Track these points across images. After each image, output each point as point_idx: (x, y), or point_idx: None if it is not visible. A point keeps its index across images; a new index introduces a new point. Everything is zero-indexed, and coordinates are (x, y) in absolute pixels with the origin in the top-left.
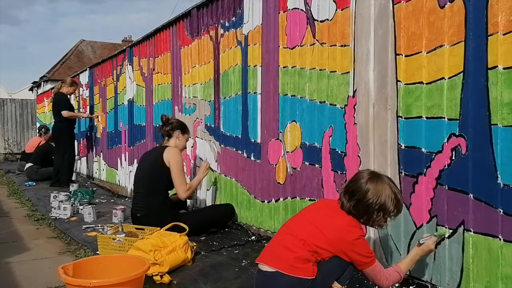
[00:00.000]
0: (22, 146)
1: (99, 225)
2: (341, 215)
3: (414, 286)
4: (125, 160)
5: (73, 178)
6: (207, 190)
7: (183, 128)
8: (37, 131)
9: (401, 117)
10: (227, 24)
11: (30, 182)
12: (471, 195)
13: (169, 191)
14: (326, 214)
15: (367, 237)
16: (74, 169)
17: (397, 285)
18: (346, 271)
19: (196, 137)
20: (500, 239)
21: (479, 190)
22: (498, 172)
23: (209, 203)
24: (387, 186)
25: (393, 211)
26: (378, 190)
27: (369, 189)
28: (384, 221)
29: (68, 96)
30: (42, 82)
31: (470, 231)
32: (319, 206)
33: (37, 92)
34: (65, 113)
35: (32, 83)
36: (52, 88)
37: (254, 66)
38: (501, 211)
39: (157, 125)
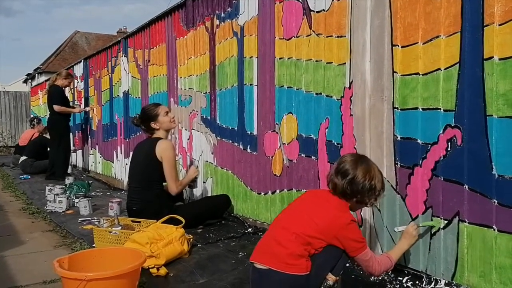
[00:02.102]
0: (16, 139)
1: (95, 218)
2: (331, 201)
3: (409, 276)
4: (121, 153)
5: (69, 171)
6: (204, 182)
7: (150, 116)
8: (29, 123)
9: (397, 108)
10: (222, 14)
11: (25, 175)
12: (466, 186)
13: (163, 183)
14: (316, 202)
15: (362, 229)
16: (70, 162)
17: (392, 275)
18: (339, 261)
19: (192, 129)
20: (494, 230)
21: (474, 181)
22: (493, 163)
23: (205, 195)
24: (374, 166)
25: (380, 189)
26: (367, 170)
27: (359, 169)
28: (375, 200)
29: (63, 88)
30: (36, 74)
31: (465, 221)
32: (308, 196)
33: (31, 85)
34: (56, 107)
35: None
36: (46, 80)
37: (250, 58)
38: (496, 201)
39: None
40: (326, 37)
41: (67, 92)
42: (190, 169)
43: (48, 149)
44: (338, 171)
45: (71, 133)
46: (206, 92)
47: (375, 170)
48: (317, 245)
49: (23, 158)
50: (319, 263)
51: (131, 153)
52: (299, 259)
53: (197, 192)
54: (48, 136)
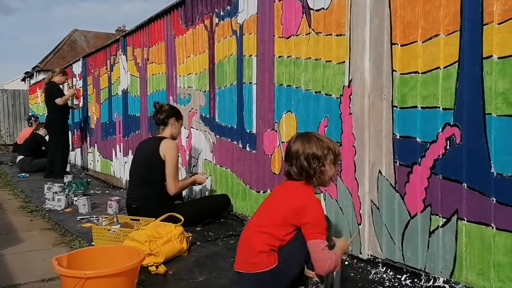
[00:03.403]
0: (15, 137)
1: (94, 216)
2: (292, 188)
3: (408, 274)
4: (120, 151)
5: (67, 169)
6: None
7: (177, 114)
8: (27, 121)
9: (396, 107)
10: (222, 13)
11: (23, 174)
12: (465, 184)
13: (164, 182)
14: (279, 191)
15: (361, 227)
16: (68, 160)
17: (391, 273)
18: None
19: (191, 127)
20: (492, 228)
21: (472, 179)
22: (491, 162)
23: (204, 194)
24: (311, 135)
25: (322, 155)
26: (303, 142)
27: (297, 145)
28: (326, 169)
29: (61, 86)
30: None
31: (464, 220)
32: (274, 190)
33: (30, 83)
34: (59, 100)
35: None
36: (44, 79)
37: (249, 56)
38: (494, 199)
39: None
40: (326, 35)
41: (66, 91)
42: (199, 176)
43: (42, 146)
44: (285, 158)
45: (69, 132)
46: (205, 91)
47: (312, 138)
48: (280, 235)
49: (20, 157)
50: (287, 254)
51: (130, 152)
52: (259, 255)
53: (196, 190)
54: (40, 132)
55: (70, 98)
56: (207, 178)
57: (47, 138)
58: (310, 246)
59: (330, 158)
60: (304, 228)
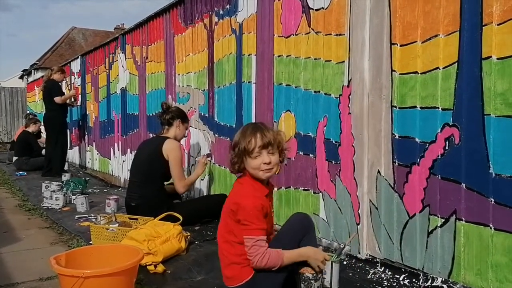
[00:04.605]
0: (12, 135)
1: (92, 215)
2: (233, 188)
3: (406, 274)
4: (118, 150)
5: (65, 167)
6: (201, 180)
7: (184, 117)
8: (25, 119)
9: (395, 107)
10: (221, 12)
11: (21, 172)
12: (464, 185)
13: (164, 182)
14: (228, 197)
15: (360, 226)
16: (67, 158)
17: (389, 273)
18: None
19: (190, 126)
20: (491, 228)
21: (471, 180)
22: (490, 162)
23: (203, 193)
24: (247, 125)
25: (238, 142)
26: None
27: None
28: (242, 155)
29: (60, 83)
30: (33, 70)
31: (462, 220)
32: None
33: (28, 80)
34: (58, 99)
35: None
36: (43, 76)
37: (249, 55)
38: (493, 200)
39: (156, 113)
40: (325, 35)
41: (64, 88)
42: (199, 161)
43: (32, 144)
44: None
45: (68, 130)
46: (204, 90)
47: (241, 128)
48: (240, 237)
49: (15, 158)
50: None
51: (128, 150)
52: (232, 266)
53: (195, 189)
54: (30, 129)
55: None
56: (206, 158)
57: (43, 135)
58: (244, 242)
59: (239, 148)
60: (239, 224)
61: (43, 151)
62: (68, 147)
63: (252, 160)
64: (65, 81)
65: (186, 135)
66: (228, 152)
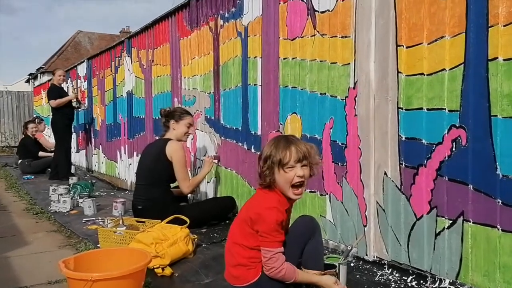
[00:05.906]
0: (19, 139)
1: (100, 218)
2: (256, 197)
3: (414, 275)
4: (125, 153)
5: (72, 171)
6: (208, 182)
7: (175, 115)
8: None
9: (401, 108)
10: (226, 15)
11: (28, 175)
12: (471, 186)
13: (171, 184)
14: (249, 202)
15: (367, 228)
16: (72, 161)
17: (397, 275)
18: (307, 254)
19: (196, 129)
20: (498, 229)
21: (478, 181)
22: (497, 163)
23: (210, 195)
24: (277, 137)
25: (270, 154)
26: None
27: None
28: (280, 172)
29: (61, 85)
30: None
31: (469, 221)
32: (249, 200)
33: (34, 84)
34: (52, 102)
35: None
36: (49, 80)
37: (254, 58)
38: (500, 201)
39: (157, 117)
40: (331, 37)
41: (71, 92)
42: (205, 160)
43: (29, 148)
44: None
45: (73, 133)
46: (210, 92)
47: (272, 140)
48: (251, 244)
49: (19, 161)
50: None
51: (135, 153)
52: (239, 268)
53: (201, 192)
54: (28, 132)
55: (74, 100)
56: (213, 157)
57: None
58: (261, 252)
59: (273, 161)
60: (258, 235)
61: (40, 153)
62: (72, 150)
63: (285, 173)
64: (71, 85)
65: (189, 132)
66: (257, 164)
